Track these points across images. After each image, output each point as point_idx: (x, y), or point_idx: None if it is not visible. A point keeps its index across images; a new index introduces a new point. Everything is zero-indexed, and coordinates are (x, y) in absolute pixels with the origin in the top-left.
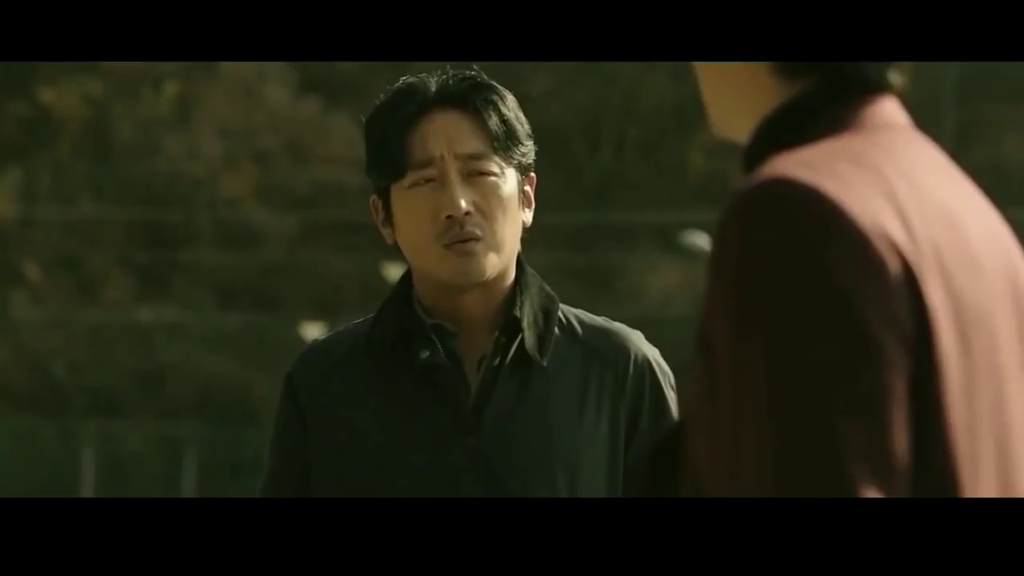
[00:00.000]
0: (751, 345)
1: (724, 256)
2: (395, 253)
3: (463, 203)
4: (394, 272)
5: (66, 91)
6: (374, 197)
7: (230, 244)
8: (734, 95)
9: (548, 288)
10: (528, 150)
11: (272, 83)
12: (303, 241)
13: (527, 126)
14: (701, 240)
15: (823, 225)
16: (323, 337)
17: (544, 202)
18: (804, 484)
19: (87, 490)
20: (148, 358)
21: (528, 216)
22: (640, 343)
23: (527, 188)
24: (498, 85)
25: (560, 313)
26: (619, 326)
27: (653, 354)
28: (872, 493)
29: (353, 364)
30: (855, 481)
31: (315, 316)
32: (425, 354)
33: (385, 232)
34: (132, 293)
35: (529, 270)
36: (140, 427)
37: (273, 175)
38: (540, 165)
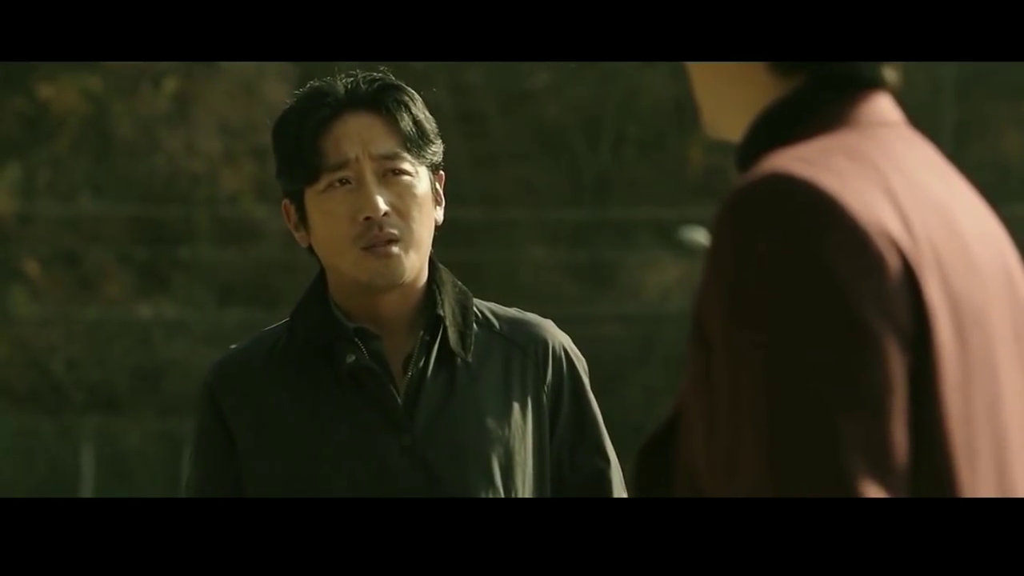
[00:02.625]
0: (749, 342)
1: (722, 252)
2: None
3: (381, 203)
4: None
5: (65, 87)
6: (286, 202)
7: (230, 240)
8: (728, 93)
9: (461, 284)
10: (438, 149)
11: (271, 80)
12: None
13: (434, 125)
14: (700, 236)
15: (821, 221)
16: (237, 346)
17: (543, 199)
18: (803, 480)
19: (86, 487)
20: (147, 354)
21: (439, 214)
22: (554, 331)
23: (437, 186)
24: (406, 86)
25: (475, 308)
26: (532, 316)
27: (567, 342)
28: (871, 489)
29: (273, 372)
30: (854, 477)
31: None
32: (351, 358)
33: (299, 236)
34: (131, 289)
35: (441, 267)
36: (140, 423)
37: (272, 172)
38: (539, 162)
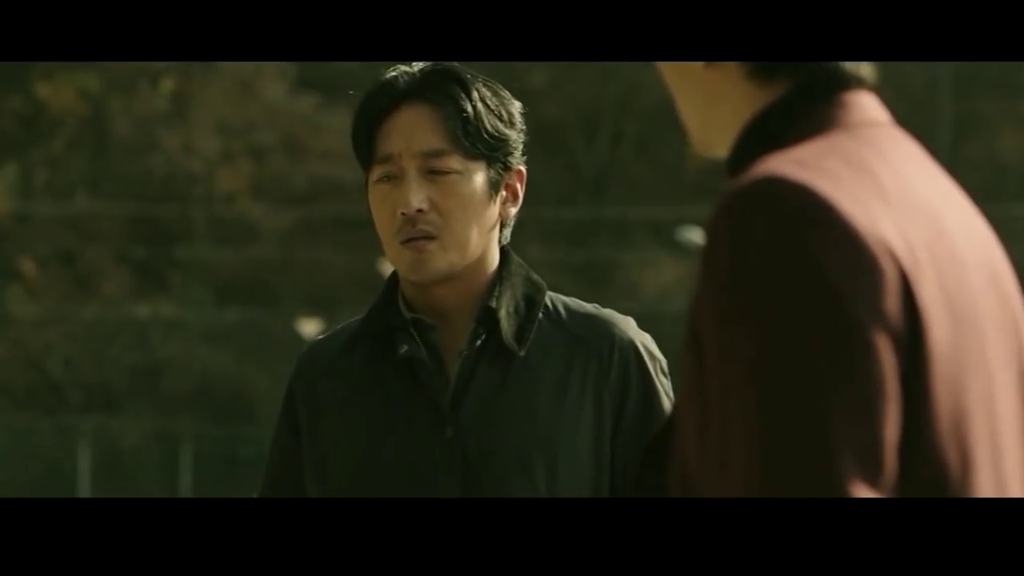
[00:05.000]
0: (741, 341)
1: (715, 254)
2: None
3: (415, 201)
4: (391, 268)
5: (62, 86)
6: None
7: (227, 240)
8: (712, 110)
9: (536, 277)
10: (503, 143)
11: (269, 79)
12: (300, 237)
13: (509, 116)
14: (697, 236)
15: (814, 223)
16: (323, 335)
17: (541, 197)
18: (793, 478)
19: (84, 486)
20: (145, 354)
21: (508, 209)
22: (627, 329)
23: (511, 181)
24: (471, 76)
25: (548, 300)
26: (608, 312)
27: (643, 339)
28: (860, 488)
29: (343, 360)
30: (843, 476)
31: (311, 312)
32: (404, 348)
33: None
34: (129, 289)
35: (516, 260)
36: (137, 423)
37: (270, 171)
38: (536, 160)
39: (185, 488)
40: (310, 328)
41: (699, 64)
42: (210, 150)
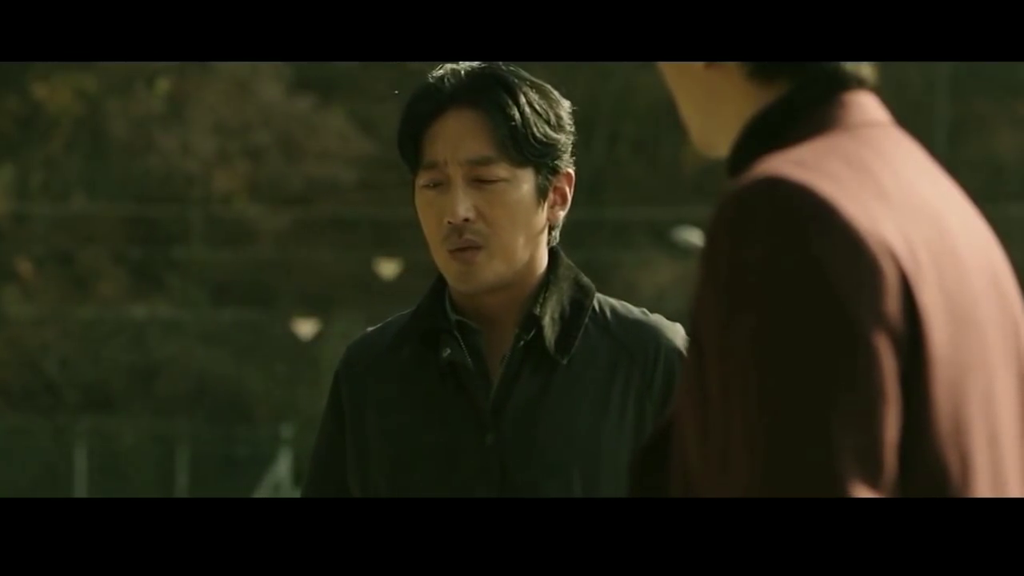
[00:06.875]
0: (742, 342)
1: (716, 255)
2: (388, 249)
3: (461, 210)
4: (387, 268)
5: (59, 87)
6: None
7: (223, 240)
8: (713, 109)
9: (585, 280)
10: (551, 148)
11: (265, 79)
12: (296, 237)
13: (557, 120)
14: (695, 237)
15: (815, 224)
16: (371, 328)
17: None
18: (794, 480)
19: (80, 486)
20: (141, 354)
21: (557, 213)
22: (674, 337)
23: (560, 185)
24: (518, 79)
25: (595, 304)
26: (655, 319)
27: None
28: (861, 489)
29: (390, 357)
30: (843, 476)
31: (308, 312)
32: (447, 352)
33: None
34: (125, 289)
35: (565, 263)
36: (133, 423)
37: (266, 171)
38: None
39: (181, 488)
40: (307, 328)
41: (700, 64)
42: (207, 151)
